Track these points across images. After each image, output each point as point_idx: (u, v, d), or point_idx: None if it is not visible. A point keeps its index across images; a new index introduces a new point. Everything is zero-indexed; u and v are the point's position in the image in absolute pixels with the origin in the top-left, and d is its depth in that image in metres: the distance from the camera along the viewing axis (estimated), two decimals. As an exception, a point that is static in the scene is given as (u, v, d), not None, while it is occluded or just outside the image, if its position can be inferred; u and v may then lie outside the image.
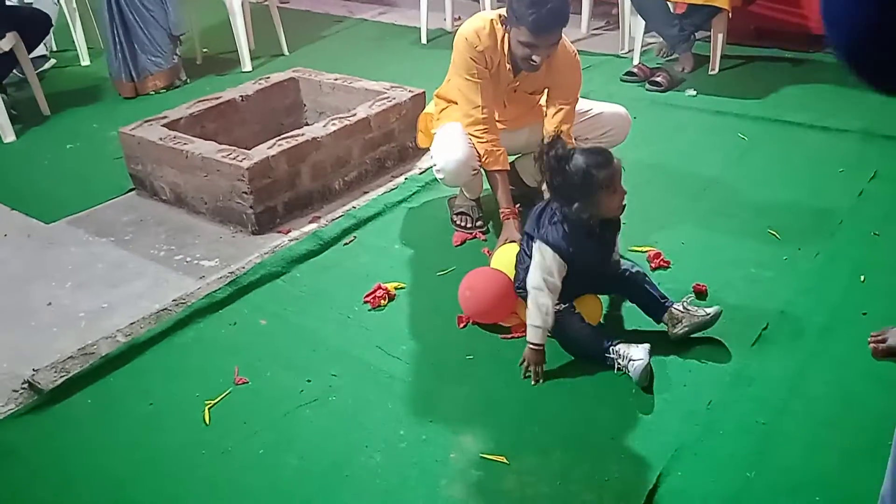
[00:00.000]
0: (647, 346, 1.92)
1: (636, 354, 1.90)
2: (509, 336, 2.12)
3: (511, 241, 2.36)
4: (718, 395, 1.86)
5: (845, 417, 1.78)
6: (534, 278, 1.93)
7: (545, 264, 1.92)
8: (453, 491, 1.65)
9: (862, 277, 2.25)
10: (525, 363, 1.96)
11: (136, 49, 4.12)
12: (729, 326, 2.09)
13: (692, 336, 2.02)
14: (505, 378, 1.97)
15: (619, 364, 1.93)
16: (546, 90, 2.49)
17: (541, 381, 1.94)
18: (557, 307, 1.96)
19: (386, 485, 1.68)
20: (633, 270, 2.08)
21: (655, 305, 2.05)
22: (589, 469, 1.68)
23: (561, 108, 2.42)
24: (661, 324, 2.04)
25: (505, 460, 1.72)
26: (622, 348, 1.93)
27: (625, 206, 1.93)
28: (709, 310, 2.01)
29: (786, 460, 1.68)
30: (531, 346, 1.94)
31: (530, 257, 1.96)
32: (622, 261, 2.10)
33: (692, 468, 1.67)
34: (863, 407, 1.81)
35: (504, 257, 2.24)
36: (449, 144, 2.47)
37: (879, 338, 1.97)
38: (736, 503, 1.59)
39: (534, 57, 2.26)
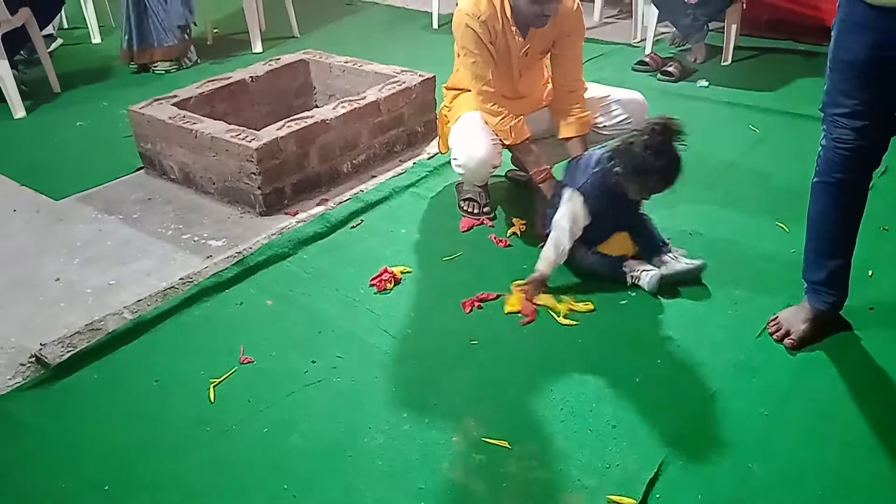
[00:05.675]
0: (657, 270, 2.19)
1: (648, 266, 2.19)
2: (525, 321, 2.12)
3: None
4: (721, 386, 1.87)
5: (847, 410, 1.79)
6: (561, 221, 2.16)
7: (574, 211, 2.14)
8: (455, 473, 1.66)
9: (870, 272, 2.24)
10: (527, 282, 2.18)
11: (149, 22, 4.11)
12: (734, 317, 2.10)
13: (696, 326, 2.03)
14: (508, 364, 1.98)
15: (632, 275, 2.20)
16: (553, 45, 2.46)
17: (533, 299, 2.16)
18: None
19: (388, 466, 1.69)
20: (641, 213, 2.30)
21: (652, 247, 2.25)
22: (590, 456, 1.69)
23: (571, 91, 2.46)
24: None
25: (507, 445, 1.73)
26: (634, 263, 2.21)
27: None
28: (692, 262, 2.20)
29: (788, 451, 1.68)
30: (540, 272, 2.17)
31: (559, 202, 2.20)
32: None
33: (694, 457, 1.68)
34: (864, 400, 1.82)
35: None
36: (471, 141, 2.45)
37: (782, 332, 1.99)
38: (737, 493, 1.60)
39: (546, 11, 2.25)
